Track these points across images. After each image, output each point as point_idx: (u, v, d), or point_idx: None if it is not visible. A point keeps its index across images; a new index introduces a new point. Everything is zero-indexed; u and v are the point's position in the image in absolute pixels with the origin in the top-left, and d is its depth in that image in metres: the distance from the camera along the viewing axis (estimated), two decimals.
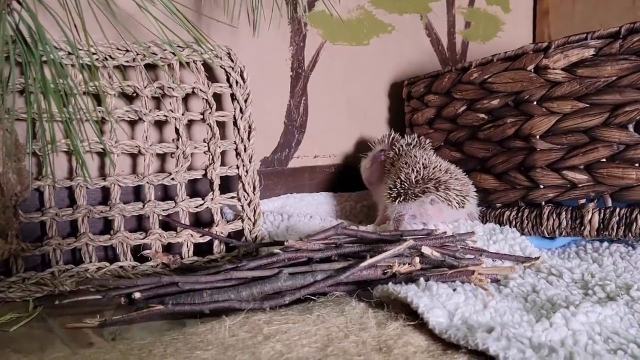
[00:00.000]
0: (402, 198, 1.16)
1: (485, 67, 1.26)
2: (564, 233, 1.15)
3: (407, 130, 1.47)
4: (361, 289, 0.90)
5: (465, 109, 1.32)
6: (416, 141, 1.31)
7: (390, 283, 0.87)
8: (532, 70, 1.17)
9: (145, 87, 1.15)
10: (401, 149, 1.29)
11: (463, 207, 1.18)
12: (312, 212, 1.41)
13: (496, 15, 1.79)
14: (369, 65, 1.54)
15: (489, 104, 1.26)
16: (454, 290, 0.84)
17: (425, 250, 0.94)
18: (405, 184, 1.16)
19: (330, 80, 1.47)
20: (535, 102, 1.17)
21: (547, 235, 1.18)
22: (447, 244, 1.00)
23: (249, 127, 1.20)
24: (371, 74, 1.55)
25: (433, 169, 1.18)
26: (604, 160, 1.09)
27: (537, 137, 1.17)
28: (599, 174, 1.09)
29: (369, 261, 0.90)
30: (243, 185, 1.21)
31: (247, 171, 1.21)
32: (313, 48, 1.44)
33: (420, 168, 1.18)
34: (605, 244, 1.16)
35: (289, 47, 1.41)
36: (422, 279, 0.88)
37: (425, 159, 1.21)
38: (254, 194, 1.21)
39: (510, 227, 1.23)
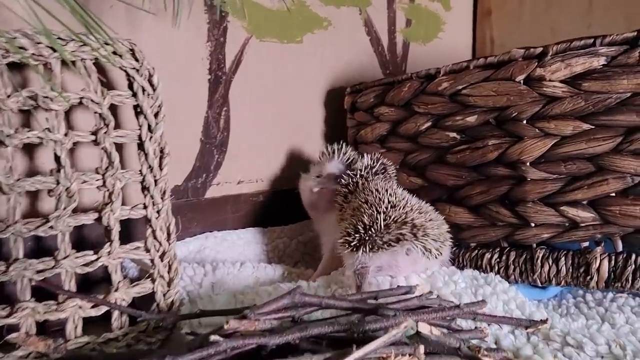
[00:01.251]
0: (367, 248, 0.89)
1: (459, 75, 1.02)
2: (562, 283, 0.94)
3: (351, 148, 1.19)
4: None
5: (430, 125, 1.08)
6: (380, 165, 1.05)
7: None
8: (522, 81, 0.94)
9: (8, 97, 0.79)
10: (361, 176, 1.02)
11: (441, 254, 0.93)
12: (237, 255, 1.11)
13: (437, 13, 1.57)
14: (303, 67, 1.26)
15: (462, 121, 1.02)
16: None
17: (423, 329, 0.68)
18: (372, 229, 0.89)
19: (257, 86, 1.17)
20: (525, 121, 0.94)
21: (540, 285, 0.96)
22: (451, 316, 0.74)
23: (161, 151, 0.87)
24: (305, 78, 1.27)
25: (404, 208, 0.92)
26: (614, 194, 0.88)
27: (528, 163, 0.94)
28: (609, 211, 0.88)
29: (356, 355, 0.62)
30: (153, 231, 0.88)
31: (158, 211, 0.88)
32: (236, 45, 1.13)
33: (387, 207, 0.91)
34: (610, 294, 0.96)
35: (205, 43, 1.09)
36: None
37: (391, 194, 0.95)
38: (169, 243, 0.89)
39: (493, 273, 0.99)
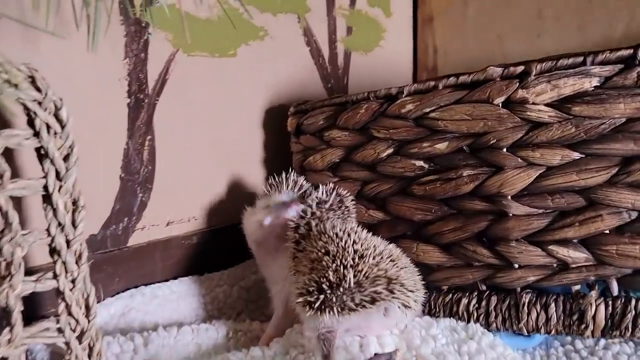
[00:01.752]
0: (335, 311, 0.73)
1: (426, 96, 0.89)
2: (552, 331, 0.83)
3: (303, 177, 1.03)
4: None
5: (392, 152, 0.94)
6: (335, 199, 0.90)
7: None
8: (502, 104, 0.82)
9: None
10: (313, 215, 0.86)
11: (418, 305, 0.79)
12: (171, 313, 0.93)
13: (377, 19, 1.44)
14: (238, 84, 1.09)
15: (431, 147, 0.89)
16: None
17: None
18: (340, 288, 0.74)
19: (186, 108, 0.99)
20: (505, 149, 0.82)
21: (526, 333, 0.85)
22: None
23: (74, 203, 0.68)
24: (242, 97, 1.10)
25: (374, 257, 0.77)
26: (609, 232, 0.78)
27: (509, 197, 0.83)
28: (604, 251, 0.79)
29: None
30: (68, 306, 0.69)
31: (73, 281, 0.68)
32: (160, 61, 0.95)
33: (355, 258, 0.77)
34: (602, 341, 0.86)
35: (123, 61, 0.89)
36: None
37: (355, 240, 0.80)
38: (89, 320, 0.70)
39: (472, 321, 0.87)
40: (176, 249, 0.98)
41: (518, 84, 0.81)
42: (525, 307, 0.84)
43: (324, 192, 0.90)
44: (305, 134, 1.06)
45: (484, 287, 0.88)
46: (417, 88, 0.90)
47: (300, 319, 0.84)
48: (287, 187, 0.91)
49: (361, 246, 0.78)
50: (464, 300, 0.89)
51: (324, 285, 0.75)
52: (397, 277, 0.76)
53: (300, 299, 0.77)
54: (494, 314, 0.87)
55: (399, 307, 0.75)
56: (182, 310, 0.95)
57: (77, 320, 0.69)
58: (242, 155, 1.10)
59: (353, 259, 0.76)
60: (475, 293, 0.89)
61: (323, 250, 0.79)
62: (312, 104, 1.05)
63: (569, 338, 0.88)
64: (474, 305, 0.88)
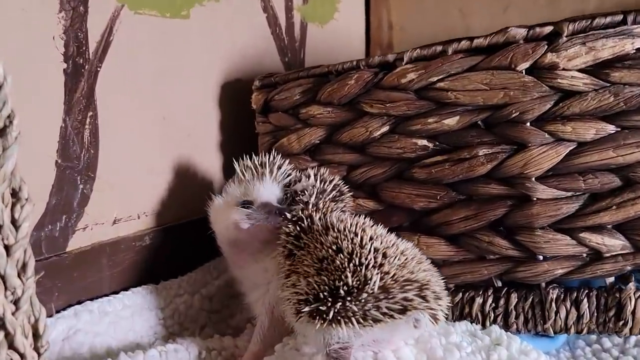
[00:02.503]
0: (353, 322, 0.59)
1: (432, 63, 0.75)
2: (585, 330, 0.73)
3: (286, 161, 0.86)
4: None
5: (387, 131, 0.80)
6: (333, 189, 0.75)
7: None
8: (526, 70, 0.71)
9: None
10: (315, 208, 0.71)
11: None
12: (126, 334, 0.74)
13: None
14: (191, 52, 0.91)
15: (437, 124, 0.76)
16: None
17: None
18: (363, 294, 0.59)
19: (133, 79, 0.80)
20: (529, 123, 0.71)
21: (552, 334, 0.74)
22: None
23: (15, 195, 0.48)
24: (195, 68, 0.92)
25: (398, 257, 0.63)
26: None
27: (533, 179, 0.71)
28: None
29: None
30: (9, 335, 0.50)
31: (17, 301, 0.50)
32: (102, 17, 0.75)
33: (377, 258, 0.62)
34: (632, 338, 0.77)
35: (58, 14, 0.69)
36: None
37: (373, 236, 0.65)
38: (39, 353, 0.51)
39: (488, 323, 0.76)
40: (126, 253, 0.79)
41: (546, 46, 0.69)
42: (553, 305, 0.73)
43: (319, 179, 0.74)
44: (275, 111, 0.90)
45: (500, 284, 0.77)
46: (420, 54, 0.77)
47: (297, 331, 0.68)
48: (270, 175, 0.75)
49: (381, 243, 0.64)
50: (478, 300, 0.77)
51: (341, 291, 0.60)
52: (428, 282, 0.62)
53: (306, 308, 0.62)
54: (514, 313, 0.75)
55: (429, 318, 0.61)
56: (139, 329, 0.76)
57: (22, 356, 0.50)
58: (196, 137, 0.92)
59: (375, 258, 0.61)
60: (491, 291, 0.77)
61: (334, 247, 0.63)
62: (284, 76, 0.89)
63: (594, 336, 0.78)
64: (490, 305, 0.76)
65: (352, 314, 0.59)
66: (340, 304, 0.59)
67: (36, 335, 0.50)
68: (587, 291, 0.72)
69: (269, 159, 0.76)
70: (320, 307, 0.60)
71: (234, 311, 0.91)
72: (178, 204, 0.89)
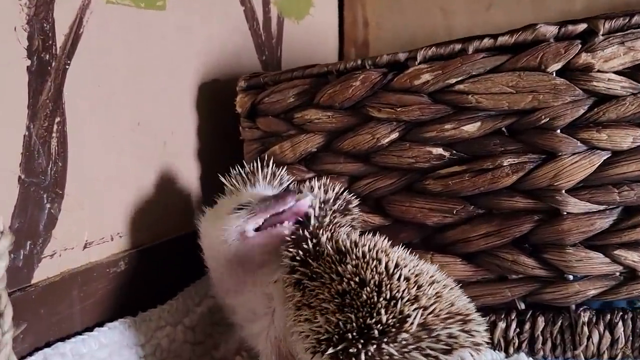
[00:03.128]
0: None
1: (450, 63, 0.68)
2: (619, 356, 0.67)
3: (280, 168, 0.76)
4: None
5: (397, 138, 0.72)
6: (342, 201, 0.66)
7: None
8: (557, 72, 0.64)
9: None
10: (320, 225, 0.61)
11: None
12: None
13: None
14: (167, 48, 0.80)
15: (456, 130, 0.69)
16: None
17: None
18: (400, 336, 0.51)
19: (104, 79, 0.69)
20: (560, 130, 0.64)
21: None
22: None
23: None
24: (172, 65, 0.81)
25: (431, 285, 0.55)
26: None
27: (564, 191, 0.65)
28: None
29: None
30: None
31: None
32: (71, 6, 0.64)
33: (408, 288, 0.54)
34: None
35: (19, 0, 0.57)
36: None
37: (397, 259, 0.57)
38: None
39: (512, 349, 0.69)
40: (99, 282, 0.67)
41: (580, 46, 0.63)
42: (585, 328, 0.67)
43: (325, 190, 0.65)
44: (264, 115, 0.80)
45: (523, 306, 0.70)
46: (436, 52, 0.69)
47: None
48: (262, 178, 0.65)
49: (409, 270, 0.56)
50: (501, 325, 0.70)
51: (374, 330, 0.51)
52: (469, 314, 0.54)
53: (330, 350, 0.52)
54: (541, 339, 0.69)
55: (472, 354, 0.53)
56: None
57: None
58: (173, 146, 0.81)
59: (408, 290, 0.53)
60: (514, 314, 0.70)
61: (357, 280, 0.54)
62: (274, 76, 0.79)
63: None
64: (514, 330, 0.70)
65: (389, 358, 0.50)
66: (374, 346, 0.51)
67: None
68: (621, 313, 0.67)
69: (259, 166, 0.67)
70: (349, 349, 0.51)
71: (217, 341, 0.81)
72: (155, 222, 0.78)
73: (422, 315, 0.51)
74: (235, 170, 0.69)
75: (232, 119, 0.84)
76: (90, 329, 0.65)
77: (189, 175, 0.84)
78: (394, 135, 0.72)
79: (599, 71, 0.63)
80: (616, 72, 0.63)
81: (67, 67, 0.62)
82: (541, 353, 0.69)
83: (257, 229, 0.62)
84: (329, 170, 0.76)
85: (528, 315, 0.69)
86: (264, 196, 0.63)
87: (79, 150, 0.64)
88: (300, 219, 0.62)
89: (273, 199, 0.62)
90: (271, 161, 0.70)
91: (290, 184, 0.69)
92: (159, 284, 0.76)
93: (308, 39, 1.21)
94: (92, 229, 0.67)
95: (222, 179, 0.69)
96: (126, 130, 0.73)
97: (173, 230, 0.80)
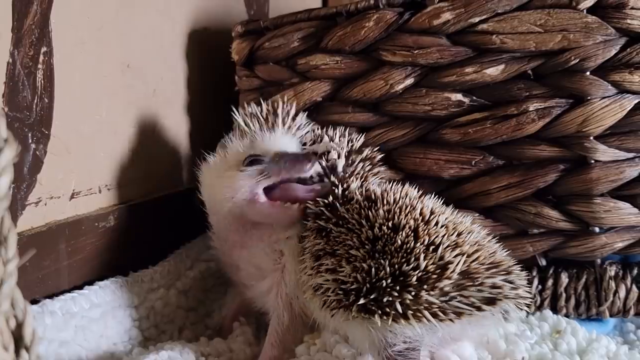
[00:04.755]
0: (424, 317, 0.46)
1: (474, 1, 0.63)
2: None
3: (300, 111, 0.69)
4: None
5: (412, 83, 0.67)
6: (369, 153, 0.61)
7: None
8: (588, 9, 0.60)
9: None
10: (352, 175, 0.56)
11: None
12: (97, 342, 0.56)
13: None
14: None
15: (477, 74, 0.64)
16: None
17: None
18: (440, 284, 0.46)
19: (94, 6, 0.61)
20: (589, 72, 0.60)
21: (606, 317, 0.65)
22: None
23: None
24: (163, 6, 0.74)
25: (470, 234, 0.51)
26: None
27: (592, 137, 0.61)
28: None
29: None
30: None
31: None
32: None
33: (447, 235, 0.49)
34: None
35: None
36: None
37: (433, 207, 0.53)
38: None
39: (533, 307, 0.65)
40: (88, 236, 0.60)
41: None
42: (612, 283, 0.63)
43: (349, 140, 0.60)
44: (264, 62, 0.74)
45: (544, 262, 0.66)
46: None
47: (334, 328, 0.54)
48: (284, 125, 0.59)
49: (446, 219, 0.51)
50: None
51: (412, 278, 0.46)
52: (510, 265, 0.50)
53: (362, 300, 0.47)
54: (564, 296, 0.65)
55: (513, 309, 0.49)
56: (112, 334, 0.58)
57: None
58: (162, 94, 0.75)
59: (448, 237, 0.48)
60: (535, 271, 0.66)
61: (390, 224, 0.49)
62: (276, 19, 0.73)
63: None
64: (536, 288, 0.65)
65: (428, 307, 0.45)
66: (411, 294, 0.46)
67: (19, 347, 0.32)
68: None
69: (279, 106, 0.61)
70: (383, 299, 0.46)
71: (210, 309, 0.75)
72: (144, 177, 0.71)
73: (464, 262, 0.46)
74: (251, 107, 0.62)
75: (223, 70, 0.78)
76: (78, 287, 0.58)
77: (179, 129, 0.78)
78: (409, 81, 0.67)
79: (633, 8, 0.59)
80: None
81: None
82: (563, 311, 0.65)
83: (268, 189, 0.57)
84: (336, 121, 0.70)
85: (550, 272, 0.65)
86: (281, 153, 0.57)
87: (67, 86, 0.57)
88: (327, 170, 0.57)
89: (290, 161, 0.55)
90: (294, 102, 0.63)
91: (308, 132, 0.63)
92: (150, 243, 0.70)
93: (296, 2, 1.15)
94: (79, 178, 0.60)
95: (234, 114, 0.62)
96: (116, 71, 0.66)
97: (162, 188, 0.74)
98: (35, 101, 0.53)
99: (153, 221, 0.70)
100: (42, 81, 0.54)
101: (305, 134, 0.62)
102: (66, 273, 0.57)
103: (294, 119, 0.61)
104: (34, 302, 0.52)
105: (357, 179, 0.56)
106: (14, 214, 0.52)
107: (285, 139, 0.59)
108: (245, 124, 0.60)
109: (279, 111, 0.60)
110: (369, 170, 0.60)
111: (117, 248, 0.64)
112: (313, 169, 0.55)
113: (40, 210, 0.55)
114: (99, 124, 0.63)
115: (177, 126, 0.77)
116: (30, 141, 0.53)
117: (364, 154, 0.60)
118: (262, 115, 0.60)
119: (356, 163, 0.58)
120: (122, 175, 0.67)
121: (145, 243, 0.69)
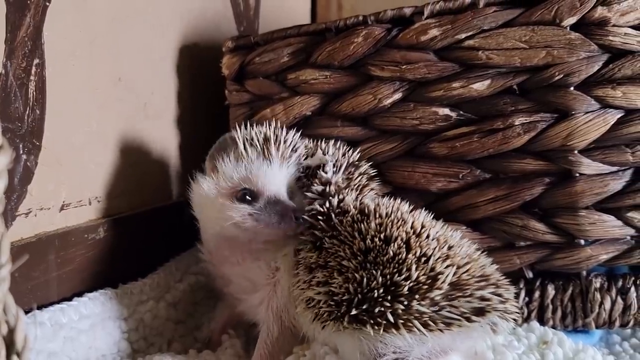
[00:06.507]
0: (413, 327, 0.46)
1: (460, 18, 0.64)
2: (631, 322, 0.64)
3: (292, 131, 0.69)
4: None
5: (400, 98, 0.68)
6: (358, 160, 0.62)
7: None
8: (572, 26, 0.62)
9: None
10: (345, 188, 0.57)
11: None
12: (87, 351, 0.57)
13: None
14: (151, 1, 0.73)
15: (464, 89, 0.65)
16: None
17: None
18: (430, 294, 0.47)
19: (87, 20, 0.62)
20: (573, 87, 0.62)
21: (592, 329, 0.66)
22: None
23: None
24: (154, 20, 0.75)
25: (461, 247, 0.52)
26: None
27: (576, 151, 0.62)
28: None
29: None
30: None
31: None
32: None
33: (438, 247, 0.50)
34: None
35: None
36: None
37: (423, 221, 0.54)
38: None
39: (521, 319, 0.66)
40: (77, 248, 0.60)
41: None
42: (597, 295, 0.64)
43: (343, 153, 0.61)
44: (254, 77, 0.75)
45: (531, 275, 0.67)
46: (444, 7, 0.66)
47: (321, 340, 0.54)
48: (278, 152, 0.59)
49: (436, 232, 0.52)
50: None
51: (403, 288, 0.46)
52: (499, 279, 0.51)
53: (353, 311, 0.48)
54: (550, 308, 0.66)
55: (502, 322, 0.50)
56: (100, 345, 0.58)
57: None
58: (153, 108, 0.75)
59: (439, 249, 0.49)
60: (522, 283, 0.67)
61: (382, 236, 0.50)
62: (266, 35, 0.75)
63: (628, 331, 0.70)
64: (523, 299, 0.66)
65: (418, 316, 0.46)
66: (403, 304, 0.46)
67: (11, 352, 0.32)
68: (633, 278, 0.64)
69: (272, 130, 0.61)
70: (374, 309, 0.47)
71: (199, 321, 0.75)
72: (133, 190, 0.71)
73: (455, 273, 0.47)
74: (248, 130, 0.62)
75: (213, 85, 0.79)
76: (67, 299, 0.58)
77: (169, 143, 0.78)
78: (397, 96, 0.68)
79: (614, 25, 0.61)
80: (632, 27, 0.61)
81: (47, 4, 0.55)
82: (550, 322, 0.66)
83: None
84: (325, 135, 0.71)
85: (537, 284, 0.66)
86: (274, 199, 0.57)
87: (58, 98, 0.57)
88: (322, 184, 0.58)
89: (279, 216, 0.56)
90: (294, 134, 0.64)
91: (303, 151, 0.63)
92: (139, 255, 0.70)
93: (287, 15, 1.17)
94: (69, 189, 0.61)
95: (235, 133, 0.62)
96: (107, 84, 0.66)
97: (152, 201, 0.74)
98: (27, 112, 0.53)
99: (143, 233, 0.70)
100: (34, 93, 0.54)
101: (298, 151, 0.62)
102: (55, 284, 0.57)
103: (285, 141, 0.61)
104: (24, 312, 0.52)
105: (352, 191, 0.57)
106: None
107: (281, 168, 0.60)
108: (243, 148, 0.59)
109: (271, 138, 0.60)
110: (365, 184, 0.60)
111: (106, 260, 0.64)
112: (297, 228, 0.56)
113: (30, 221, 0.55)
114: (89, 136, 0.63)
115: (167, 139, 0.78)
116: (21, 152, 0.53)
117: (362, 169, 0.61)
118: (259, 143, 0.60)
119: (354, 177, 0.59)
120: (112, 188, 0.67)
121: (135, 255, 0.69)
